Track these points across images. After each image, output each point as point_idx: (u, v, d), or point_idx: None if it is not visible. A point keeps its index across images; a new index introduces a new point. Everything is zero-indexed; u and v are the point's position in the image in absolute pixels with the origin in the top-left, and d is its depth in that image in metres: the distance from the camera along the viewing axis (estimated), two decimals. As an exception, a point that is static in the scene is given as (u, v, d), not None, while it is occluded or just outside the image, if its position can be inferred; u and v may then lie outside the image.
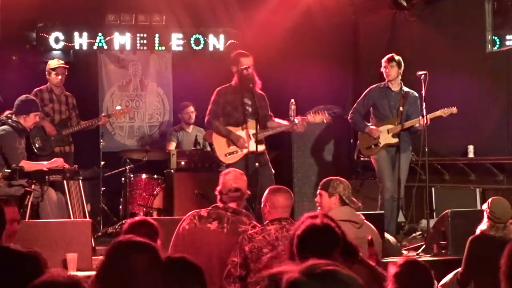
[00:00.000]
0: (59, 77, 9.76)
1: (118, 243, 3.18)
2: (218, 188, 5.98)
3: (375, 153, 9.03)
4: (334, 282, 2.08)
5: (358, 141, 9.35)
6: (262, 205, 5.70)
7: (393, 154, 8.99)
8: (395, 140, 8.92)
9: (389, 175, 8.93)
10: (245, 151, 8.51)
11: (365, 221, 6.01)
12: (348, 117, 9.40)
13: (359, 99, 9.29)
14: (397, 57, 8.97)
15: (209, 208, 5.91)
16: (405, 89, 9.02)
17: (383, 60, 9.03)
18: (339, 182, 6.15)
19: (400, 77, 9.01)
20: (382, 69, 9.04)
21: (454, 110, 8.73)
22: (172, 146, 10.77)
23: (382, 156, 9.00)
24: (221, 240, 5.63)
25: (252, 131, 8.52)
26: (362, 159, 9.96)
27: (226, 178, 6.02)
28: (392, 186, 8.88)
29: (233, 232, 5.68)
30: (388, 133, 8.97)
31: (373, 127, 9.06)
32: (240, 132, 8.57)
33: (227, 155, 8.59)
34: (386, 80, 9.04)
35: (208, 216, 5.78)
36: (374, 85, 9.20)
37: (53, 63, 9.86)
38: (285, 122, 8.73)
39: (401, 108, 8.88)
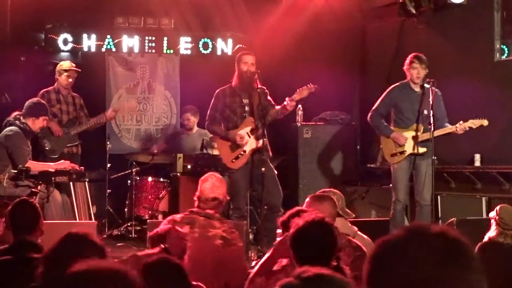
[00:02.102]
0: (70, 79, 9.81)
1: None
2: (197, 193, 6.00)
3: (399, 161, 8.77)
4: (328, 285, 2.08)
5: (381, 146, 9.09)
6: None
7: (415, 162, 8.75)
8: (423, 149, 8.65)
9: (404, 187, 8.73)
10: (248, 151, 8.52)
11: (358, 232, 5.94)
12: (368, 118, 9.12)
13: (380, 99, 9.05)
14: (424, 57, 8.70)
15: (186, 212, 5.93)
16: (427, 86, 8.67)
17: (410, 58, 8.72)
18: (333, 193, 6.02)
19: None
20: (409, 69, 8.71)
21: (485, 122, 8.55)
22: (163, 147, 10.92)
23: (402, 167, 8.75)
24: (192, 244, 5.60)
25: (248, 129, 8.53)
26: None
27: (204, 186, 6.01)
28: (406, 198, 8.80)
29: (203, 237, 5.67)
30: (414, 141, 8.75)
31: (399, 133, 8.79)
32: (240, 132, 8.56)
33: (233, 160, 8.60)
34: (409, 79, 8.79)
35: (181, 221, 5.75)
36: (395, 85, 8.98)
37: (66, 65, 9.89)
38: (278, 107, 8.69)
39: (425, 112, 8.58)
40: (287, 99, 8.52)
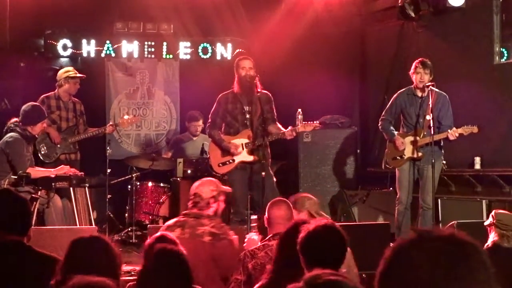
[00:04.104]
0: (78, 86, 9.80)
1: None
2: None
3: (399, 165, 8.88)
4: None
5: (386, 150, 9.14)
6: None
7: (421, 166, 8.81)
8: (420, 154, 8.72)
9: (405, 189, 8.82)
10: (236, 161, 8.57)
11: None
12: (378, 124, 9.21)
13: (387, 106, 9.15)
14: (429, 62, 8.75)
15: (180, 216, 6.01)
16: (434, 89, 8.69)
17: (415, 63, 8.73)
18: (307, 198, 6.29)
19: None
20: (413, 73, 8.73)
21: (475, 129, 8.60)
22: (168, 156, 10.93)
23: (404, 170, 8.85)
24: (183, 245, 5.65)
25: (244, 141, 8.57)
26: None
27: (193, 184, 6.16)
28: (408, 200, 8.85)
29: (193, 236, 5.75)
30: (413, 146, 8.83)
31: (400, 137, 8.88)
32: (236, 141, 8.62)
33: (220, 165, 8.67)
34: (414, 84, 8.80)
35: (173, 225, 5.87)
36: (401, 91, 9.01)
37: (72, 72, 9.81)
38: (282, 129, 8.73)
39: (427, 117, 8.59)
40: (289, 128, 8.56)
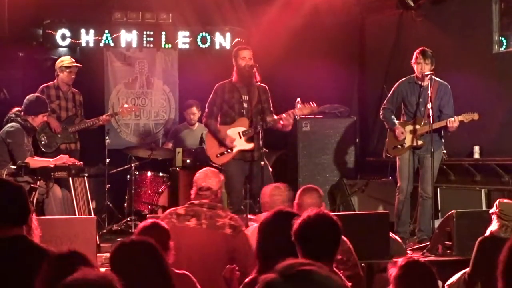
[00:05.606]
0: (73, 76, 9.80)
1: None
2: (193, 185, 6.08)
3: (400, 154, 8.91)
4: (309, 283, 2.05)
5: (387, 140, 9.15)
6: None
7: (421, 155, 8.85)
8: (420, 142, 8.77)
9: (407, 177, 8.83)
10: (235, 150, 8.57)
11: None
12: (380, 113, 9.23)
13: (389, 95, 9.15)
14: (429, 52, 8.71)
15: (186, 205, 5.97)
16: (436, 78, 8.72)
17: (416, 53, 8.73)
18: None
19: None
20: (414, 63, 8.74)
21: (475, 116, 8.62)
22: (168, 146, 10.95)
23: (405, 157, 8.89)
24: (201, 236, 5.69)
25: (241, 129, 8.58)
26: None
27: (197, 176, 6.14)
28: (408, 189, 8.86)
29: (212, 227, 5.76)
30: (413, 134, 8.86)
31: (400, 127, 8.90)
32: (231, 130, 8.61)
33: (218, 155, 8.66)
34: (416, 74, 8.81)
35: (185, 214, 5.84)
36: (402, 79, 9.02)
37: (67, 61, 9.84)
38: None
39: (428, 106, 8.56)
40: (285, 114, 8.55)
